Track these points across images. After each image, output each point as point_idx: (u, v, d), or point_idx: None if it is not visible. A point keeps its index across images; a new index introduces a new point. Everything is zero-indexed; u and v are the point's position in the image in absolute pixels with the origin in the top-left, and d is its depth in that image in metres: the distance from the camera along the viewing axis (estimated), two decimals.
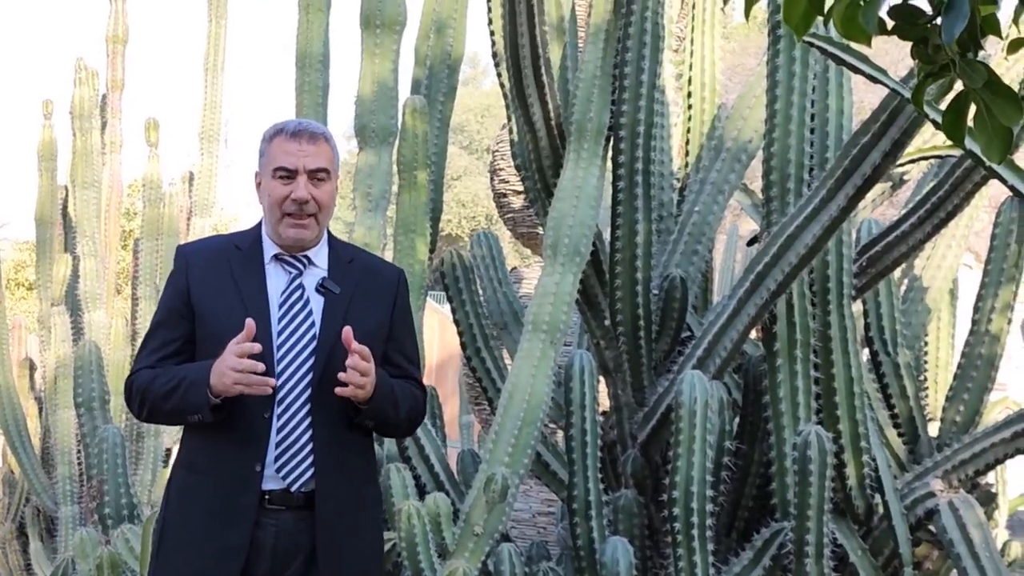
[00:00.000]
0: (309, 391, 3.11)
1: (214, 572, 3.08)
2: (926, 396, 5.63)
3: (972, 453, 5.02)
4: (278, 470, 3.09)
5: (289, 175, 3.17)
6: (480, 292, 5.65)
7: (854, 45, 3.91)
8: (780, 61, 4.79)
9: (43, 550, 8.96)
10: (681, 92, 5.83)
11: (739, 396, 5.29)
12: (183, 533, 3.15)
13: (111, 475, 5.37)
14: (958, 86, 1.91)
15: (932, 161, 5.54)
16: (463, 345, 5.53)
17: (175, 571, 3.16)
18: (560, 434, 5.79)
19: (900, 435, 5.39)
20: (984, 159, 1.90)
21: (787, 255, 4.64)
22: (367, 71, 5.17)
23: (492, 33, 5.50)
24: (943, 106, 1.92)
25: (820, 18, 1.87)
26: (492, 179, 8.42)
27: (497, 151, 8.32)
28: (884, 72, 4.18)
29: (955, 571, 4.90)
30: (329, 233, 3.35)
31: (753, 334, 5.09)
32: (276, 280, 3.21)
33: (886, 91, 4.33)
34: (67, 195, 9.88)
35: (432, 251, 5.40)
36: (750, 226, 7.91)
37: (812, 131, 4.86)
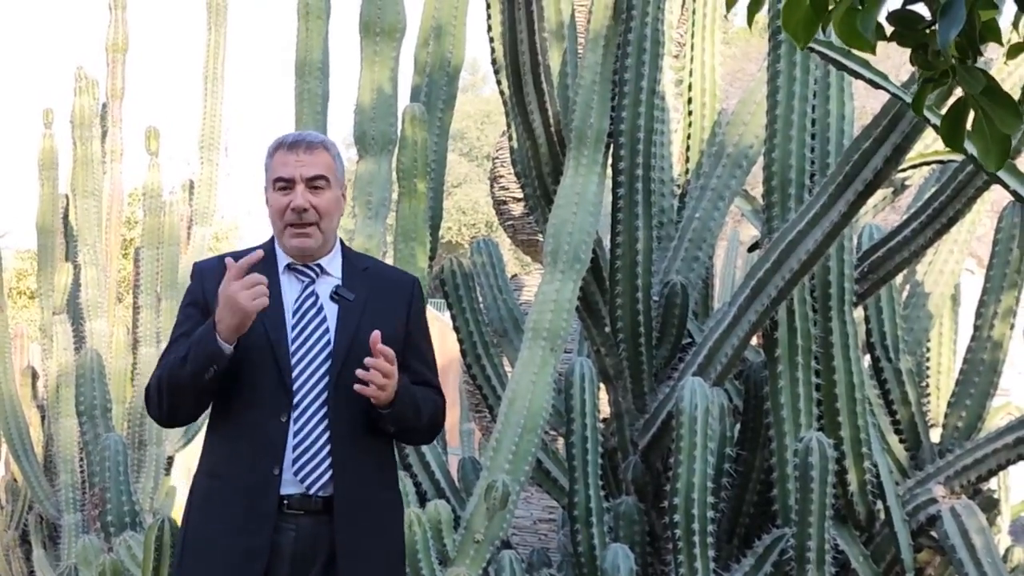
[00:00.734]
0: (325, 395, 3.13)
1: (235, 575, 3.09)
2: (928, 402, 5.62)
3: (974, 459, 5.01)
4: (296, 473, 3.10)
5: (287, 185, 3.20)
6: (480, 299, 5.65)
7: (855, 50, 3.91)
8: (781, 67, 4.79)
9: (46, 557, 8.96)
10: (681, 98, 5.84)
11: (740, 403, 5.29)
12: (204, 539, 3.17)
13: (113, 483, 5.37)
14: (958, 92, 1.90)
15: (934, 166, 5.53)
16: (463, 352, 5.53)
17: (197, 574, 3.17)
18: (561, 441, 5.79)
19: (902, 441, 5.38)
20: (983, 165, 1.89)
21: (788, 261, 4.63)
22: (366, 79, 5.17)
23: (492, 40, 5.50)
24: (943, 112, 1.91)
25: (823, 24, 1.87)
26: (492, 186, 8.41)
27: (497, 158, 8.31)
28: (885, 77, 4.18)
29: None
30: (343, 243, 3.37)
31: (754, 340, 5.08)
32: (290, 289, 3.24)
33: (887, 96, 4.33)
34: (68, 204, 9.88)
35: (432, 259, 5.39)
36: (751, 232, 7.90)
37: (813, 137, 4.85)
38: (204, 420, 3.33)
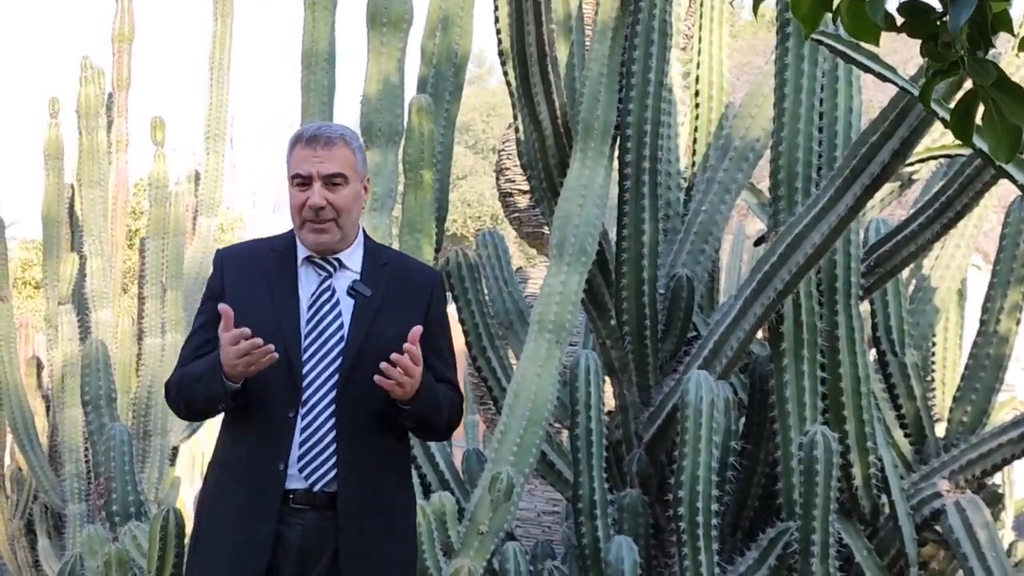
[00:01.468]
0: (334, 392, 3.12)
1: (242, 569, 3.10)
2: (933, 396, 5.62)
3: (979, 454, 5.01)
4: (301, 470, 3.10)
5: (305, 182, 3.19)
6: (486, 292, 5.64)
7: (863, 43, 3.90)
8: (788, 59, 4.78)
9: (51, 547, 8.98)
10: (688, 91, 5.83)
11: (745, 396, 5.28)
12: (215, 530, 3.19)
13: (118, 473, 5.38)
14: (967, 84, 1.89)
15: (941, 160, 5.52)
16: (468, 345, 5.52)
17: (208, 567, 3.19)
18: (565, 434, 5.78)
19: (907, 435, 5.38)
20: (993, 158, 1.88)
21: (794, 255, 4.62)
22: (373, 70, 5.16)
23: (498, 31, 5.50)
24: (952, 104, 1.90)
25: (828, 16, 1.86)
26: (498, 179, 8.41)
27: (503, 150, 8.30)
28: (893, 70, 4.17)
29: (961, 571, 4.89)
30: (366, 236, 3.35)
31: (760, 334, 5.08)
32: (307, 282, 3.23)
33: (895, 89, 4.32)
34: (73, 194, 9.88)
35: (438, 251, 5.39)
36: (757, 225, 7.90)
37: (820, 130, 4.84)
38: None
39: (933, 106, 3.92)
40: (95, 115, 9.52)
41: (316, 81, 5.16)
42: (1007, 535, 6.43)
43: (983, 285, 5.50)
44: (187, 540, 3.70)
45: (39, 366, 10.12)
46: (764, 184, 5.38)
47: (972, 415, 5.37)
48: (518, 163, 5.85)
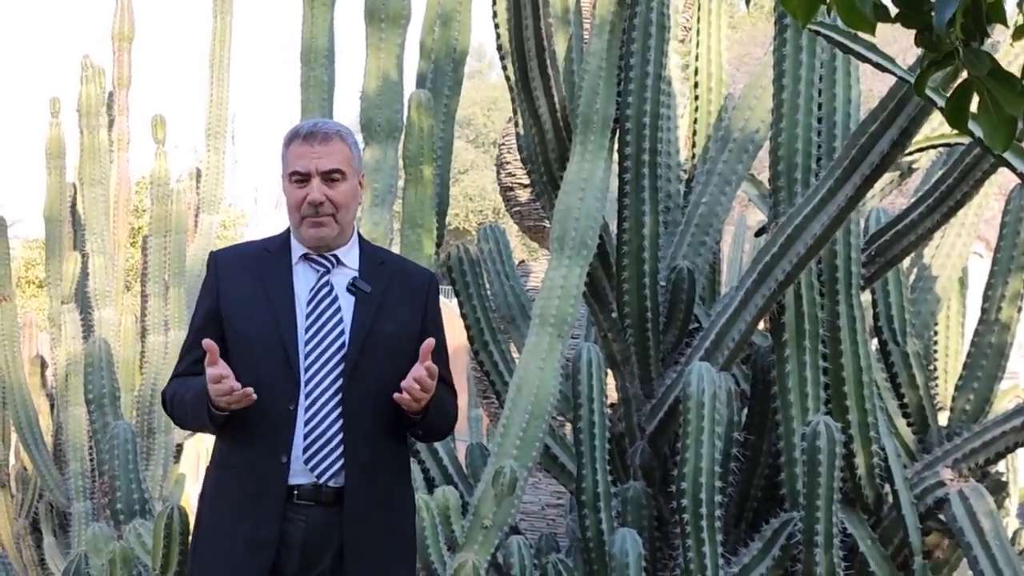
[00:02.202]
0: (339, 384, 3.14)
1: (245, 567, 3.11)
2: (936, 385, 5.62)
3: (982, 442, 5.01)
4: (307, 462, 3.11)
5: (303, 178, 3.20)
6: (487, 286, 5.65)
7: (861, 33, 3.90)
8: (787, 50, 4.78)
9: (56, 545, 9.00)
10: (687, 83, 5.82)
11: (747, 387, 5.28)
12: (216, 529, 3.21)
13: (122, 471, 5.39)
14: (964, 74, 1.90)
15: (941, 149, 5.52)
16: (471, 339, 5.53)
17: (210, 567, 3.20)
18: (568, 427, 5.79)
19: (909, 424, 5.38)
20: (989, 148, 1.89)
21: (795, 245, 4.63)
22: (372, 65, 5.16)
23: (497, 26, 5.50)
24: (949, 93, 1.91)
25: (826, 6, 1.86)
26: (499, 173, 8.40)
27: (503, 145, 8.30)
28: (892, 60, 4.17)
29: (965, 560, 4.89)
30: (360, 236, 3.37)
31: (761, 325, 5.08)
32: (304, 279, 3.25)
33: (894, 80, 4.32)
34: (75, 193, 9.89)
35: (439, 245, 5.40)
36: (758, 217, 7.89)
37: (820, 120, 4.84)
38: None
39: (931, 95, 3.92)
40: (96, 114, 9.54)
41: (315, 77, 5.17)
42: (1011, 523, 6.44)
43: (984, 273, 5.50)
44: (190, 540, 3.71)
45: (43, 365, 10.13)
46: (764, 175, 5.38)
47: (975, 403, 5.37)
48: (518, 157, 5.85)
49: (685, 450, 4.59)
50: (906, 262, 5.44)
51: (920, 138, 5.06)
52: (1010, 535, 5.75)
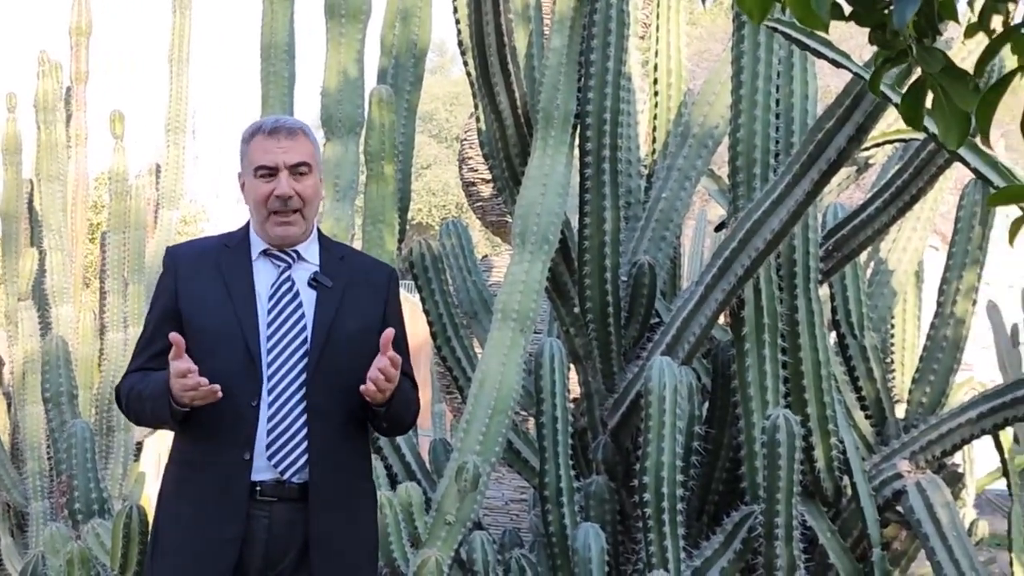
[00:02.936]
0: (302, 379, 3.12)
1: (209, 565, 3.08)
2: (893, 378, 5.67)
3: (939, 434, 5.06)
4: (270, 458, 3.09)
5: (270, 172, 3.18)
6: (450, 281, 5.65)
7: (817, 31, 3.93)
8: (745, 47, 4.82)
9: (14, 546, 8.92)
10: (647, 79, 5.85)
11: (708, 381, 5.32)
12: (177, 528, 3.16)
13: (80, 470, 5.35)
14: (918, 71, 1.92)
15: (897, 145, 5.57)
16: (433, 335, 5.53)
17: (172, 566, 3.16)
18: (531, 422, 5.81)
19: (867, 417, 5.43)
20: (943, 144, 1.91)
21: (754, 240, 4.66)
22: (332, 61, 5.15)
23: (457, 22, 5.50)
24: (904, 91, 1.93)
25: (780, 3, 1.88)
26: (461, 168, 8.42)
27: (465, 140, 8.32)
28: (847, 57, 4.21)
29: (923, 551, 4.95)
30: (319, 232, 3.36)
31: (721, 319, 5.11)
32: (265, 274, 3.22)
33: (850, 76, 4.36)
34: (32, 189, 9.81)
35: (401, 241, 5.40)
36: (718, 211, 7.94)
37: (778, 116, 4.88)
38: None
39: (887, 92, 3.97)
40: (53, 109, 9.46)
41: (276, 73, 5.15)
42: (968, 514, 6.50)
43: (940, 267, 5.55)
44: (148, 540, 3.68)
45: None
46: (724, 170, 5.41)
47: (931, 396, 5.43)
48: (480, 153, 5.86)
49: (647, 444, 4.62)
50: (863, 256, 5.49)
51: (876, 134, 5.11)
52: (967, 526, 5.81)
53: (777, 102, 4.87)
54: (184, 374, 2.99)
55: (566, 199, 4.93)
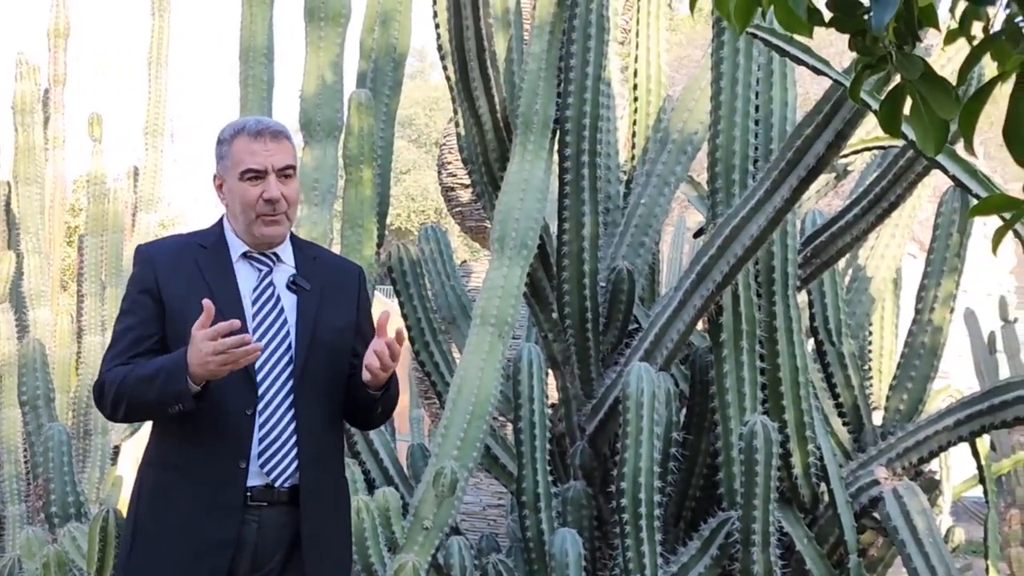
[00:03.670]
0: (290, 385, 3.11)
1: (198, 569, 3.05)
2: (870, 385, 5.68)
3: (916, 441, 5.07)
4: (262, 466, 3.07)
5: (258, 175, 3.15)
6: (428, 286, 5.64)
7: (798, 36, 3.94)
8: (724, 53, 4.82)
9: None
10: (627, 84, 5.86)
11: (686, 387, 5.32)
12: (160, 531, 3.11)
13: (57, 473, 5.33)
14: (897, 78, 1.92)
15: (875, 152, 5.58)
16: (412, 340, 5.52)
17: (153, 570, 3.12)
18: (509, 427, 5.80)
19: (845, 424, 5.44)
20: (922, 151, 1.91)
21: (732, 246, 4.66)
22: (311, 65, 5.14)
23: (437, 26, 5.49)
24: (883, 98, 1.93)
25: (761, 8, 1.88)
26: (440, 173, 8.41)
27: (444, 145, 8.31)
28: (827, 63, 4.22)
29: (899, 557, 4.95)
30: (291, 232, 3.35)
31: (700, 325, 5.12)
32: (246, 278, 3.20)
33: (830, 82, 4.37)
34: (10, 191, 9.75)
35: (380, 245, 5.38)
36: (697, 218, 7.95)
37: (757, 123, 4.89)
38: None
39: (866, 99, 3.97)
40: (31, 112, 9.41)
41: (255, 76, 5.14)
42: (944, 521, 6.52)
43: (918, 274, 5.56)
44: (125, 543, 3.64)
45: None
46: (703, 176, 5.42)
47: (908, 403, 5.44)
48: (460, 158, 5.85)
49: (624, 450, 4.62)
50: (841, 263, 5.50)
51: (855, 141, 5.12)
52: (943, 533, 5.82)
53: (756, 108, 4.87)
54: (214, 337, 2.88)
55: (545, 204, 4.94)
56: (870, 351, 5.83)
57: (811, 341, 5.45)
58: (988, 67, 2.96)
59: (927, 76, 1.86)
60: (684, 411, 5.24)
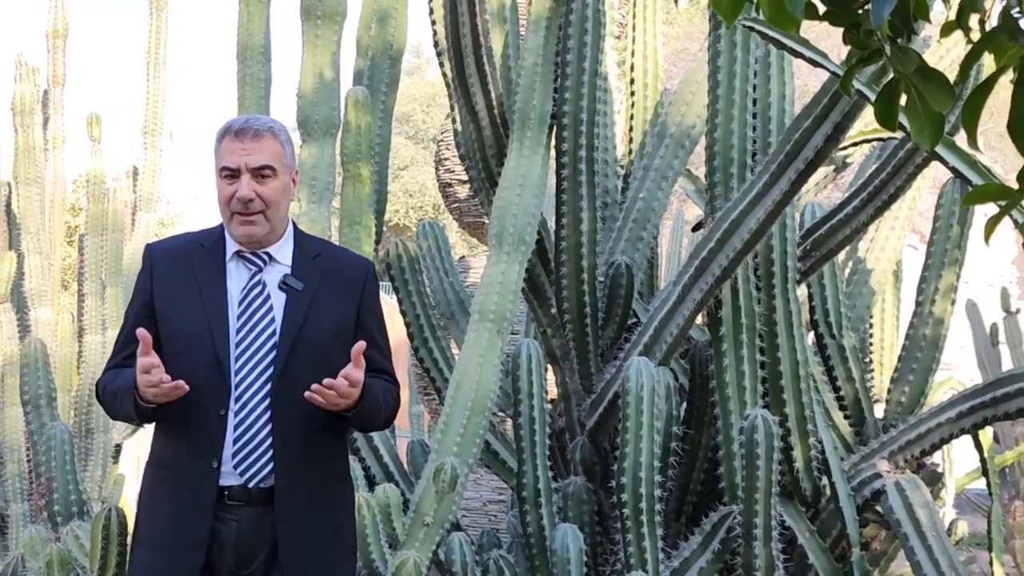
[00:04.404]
0: (268, 387, 3.10)
1: (179, 566, 3.09)
2: (871, 378, 5.67)
3: (918, 434, 5.06)
4: (236, 466, 3.08)
5: (233, 174, 3.16)
6: (427, 282, 5.64)
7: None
8: (722, 46, 4.81)
9: None
10: (624, 79, 5.85)
11: (686, 381, 5.32)
12: (152, 529, 3.19)
13: (59, 472, 5.33)
14: (892, 71, 1.91)
15: (874, 144, 5.58)
16: (410, 336, 5.51)
17: (146, 566, 3.19)
18: (509, 423, 5.80)
19: (846, 417, 5.43)
20: (917, 144, 1.91)
21: (731, 240, 4.66)
22: (308, 63, 5.14)
23: (433, 23, 5.49)
24: (878, 91, 1.93)
25: (752, 4, 1.87)
26: (437, 169, 8.42)
27: (442, 141, 8.31)
28: (825, 56, 4.21)
29: (902, 551, 4.95)
30: (296, 229, 3.34)
31: (699, 319, 5.11)
32: (237, 278, 3.20)
33: (827, 75, 4.36)
34: (10, 192, 9.77)
35: (378, 242, 5.38)
36: (695, 211, 7.94)
37: (755, 116, 4.88)
38: None
39: (864, 91, 3.97)
40: (30, 112, 9.43)
41: (252, 75, 5.13)
42: (947, 514, 6.52)
43: (919, 266, 5.56)
44: (129, 540, 3.68)
45: None
46: (701, 170, 5.41)
47: (910, 396, 5.43)
48: (457, 154, 5.85)
49: (625, 445, 4.61)
50: (841, 256, 5.49)
51: (854, 133, 5.12)
52: (946, 526, 5.83)
53: (754, 101, 4.87)
54: (148, 369, 2.99)
55: (543, 199, 4.93)
56: (871, 344, 5.82)
57: (811, 334, 5.45)
58: (987, 61, 2.96)
59: (922, 69, 1.86)
60: (684, 405, 5.24)
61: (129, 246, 9.59)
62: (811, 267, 5.17)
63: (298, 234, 3.33)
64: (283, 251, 3.25)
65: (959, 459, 7.11)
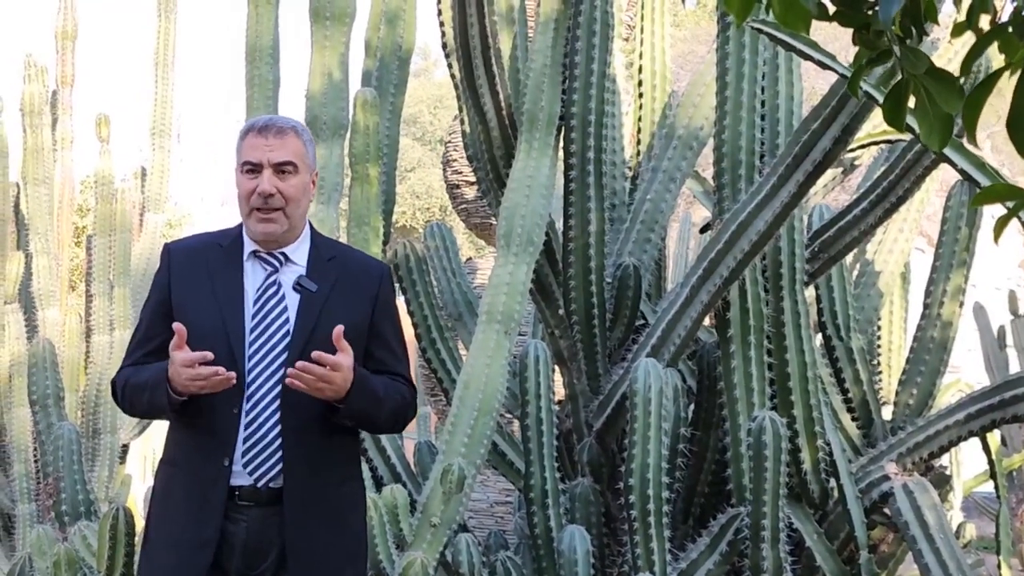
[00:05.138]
0: (279, 388, 3.10)
1: (187, 565, 3.10)
2: (879, 380, 5.67)
3: (926, 436, 5.06)
4: (245, 466, 3.09)
5: (255, 169, 3.17)
6: (434, 284, 5.64)
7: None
8: (730, 48, 4.81)
9: (0, 548, 8.90)
10: (632, 81, 5.84)
11: (694, 383, 5.31)
12: (163, 527, 3.19)
13: (67, 472, 5.35)
14: (901, 72, 1.91)
15: (883, 146, 5.57)
16: (418, 337, 5.51)
17: (157, 564, 3.18)
18: (516, 424, 5.80)
19: (854, 419, 5.43)
20: (926, 146, 1.90)
21: (739, 242, 4.66)
22: (317, 64, 5.15)
23: (442, 24, 5.50)
24: (887, 92, 1.93)
25: (762, 4, 1.87)
26: (445, 170, 8.41)
27: (450, 142, 8.31)
28: (833, 58, 4.21)
29: (910, 553, 4.94)
30: (313, 230, 3.34)
31: (707, 321, 5.11)
32: (253, 277, 3.21)
33: (836, 77, 4.36)
34: (19, 192, 9.80)
35: (386, 243, 5.39)
36: (703, 213, 7.93)
37: (763, 118, 4.87)
38: None
39: (872, 92, 3.97)
40: (39, 113, 9.47)
41: (261, 76, 5.14)
42: (955, 516, 6.51)
43: (927, 268, 5.55)
44: (138, 539, 3.69)
45: None
46: (709, 172, 5.41)
47: (918, 398, 5.42)
48: (465, 155, 5.85)
49: (632, 446, 4.61)
50: (849, 258, 5.48)
51: (862, 135, 5.11)
52: (954, 528, 5.82)
53: (762, 103, 4.86)
54: (192, 364, 2.98)
55: (551, 201, 4.93)
56: (879, 346, 5.82)
57: (819, 336, 5.44)
58: (996, 59, 2.95)
59: (932, 71, 1.85)
60: (692, 407, 5.23)
61: (137, 247, 9.61)
62: (819, 269, 5.17)
63: (315, 236, 3.33)
64: (299, 252, 3.25)
65: (967, 462, 7.09)
